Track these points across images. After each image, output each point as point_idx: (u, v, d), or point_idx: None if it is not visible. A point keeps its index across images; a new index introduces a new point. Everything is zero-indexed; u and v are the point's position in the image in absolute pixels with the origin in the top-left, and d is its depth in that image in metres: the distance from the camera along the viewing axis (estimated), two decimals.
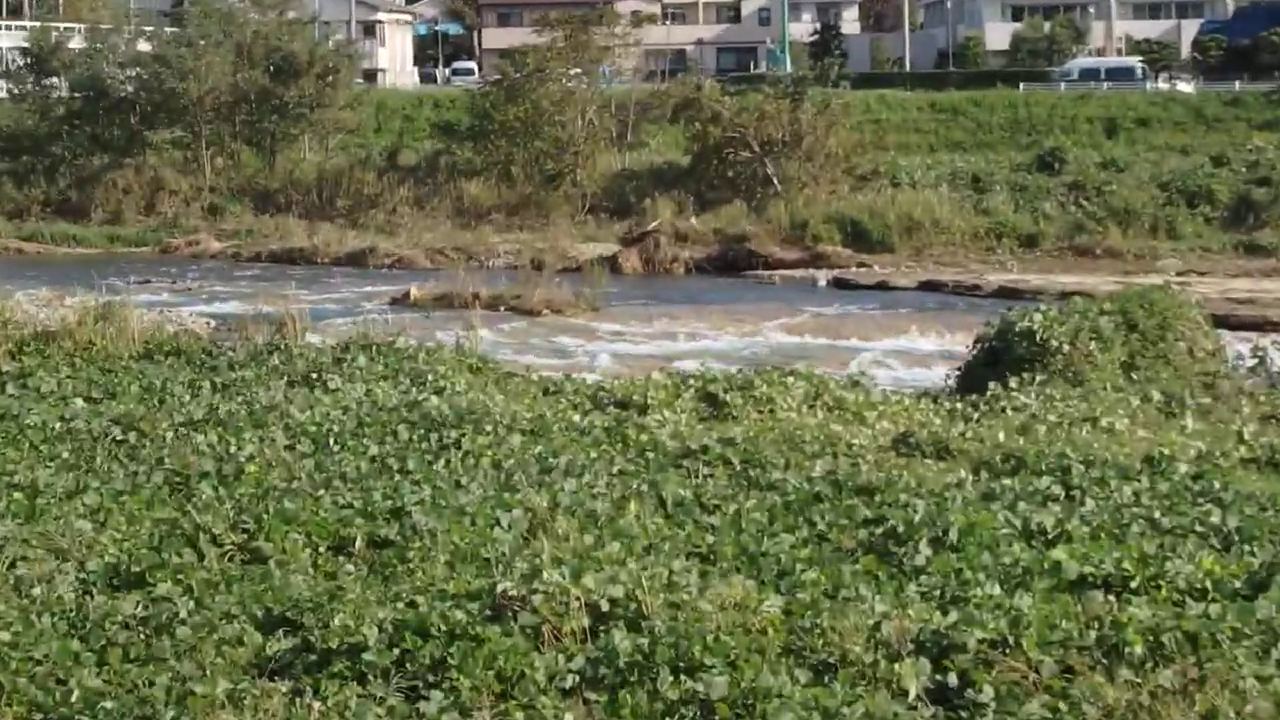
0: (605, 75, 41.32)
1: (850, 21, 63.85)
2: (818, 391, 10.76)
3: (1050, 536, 6.30)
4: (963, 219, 32.78)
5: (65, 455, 7.99)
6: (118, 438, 8.47)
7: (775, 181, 35.26)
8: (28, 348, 12.02)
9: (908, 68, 55.29)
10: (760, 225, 32.88)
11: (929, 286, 28.01)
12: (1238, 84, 44.54)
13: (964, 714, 4.30)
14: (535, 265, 28.08)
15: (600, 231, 34.96)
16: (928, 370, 17.41)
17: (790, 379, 10.89)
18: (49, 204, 39.17)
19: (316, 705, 4.42)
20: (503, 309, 23.21)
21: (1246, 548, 5.98)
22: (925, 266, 30.70)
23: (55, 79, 41.64)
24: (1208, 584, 5.32)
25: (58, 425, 8.67)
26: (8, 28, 49.92)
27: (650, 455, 8.21)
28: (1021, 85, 46.06)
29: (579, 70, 39.69)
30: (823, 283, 29.44)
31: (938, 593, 5.48)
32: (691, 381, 10.75)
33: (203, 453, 8.01)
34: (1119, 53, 54.16)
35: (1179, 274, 26.82)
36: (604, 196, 37.27)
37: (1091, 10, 58.23)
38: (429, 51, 64.68)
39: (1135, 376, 11.50)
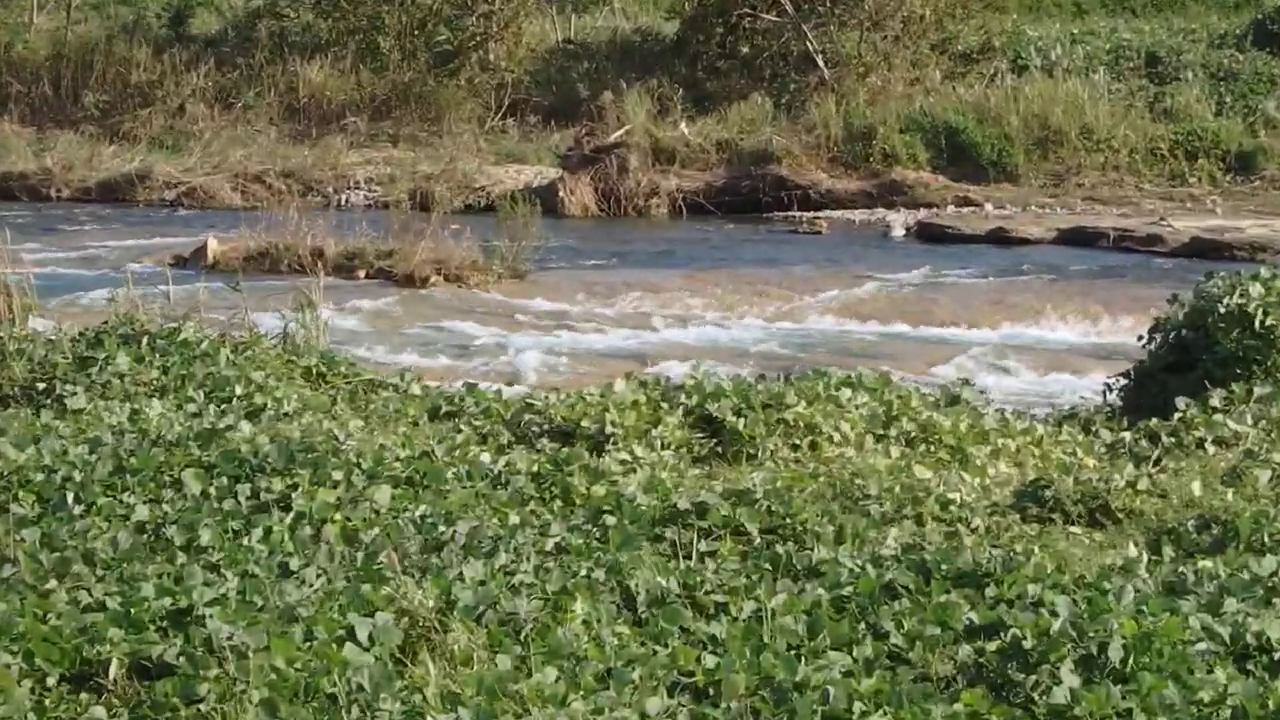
0: None
1: None
2: (891, 412, 10.74)
3: (1277, 656, 6.33)
4: (1131, 126, 33.10)
5: None
6: None
7: (820, 64, 35.35)
8: None
9: None
10: (796, 136, 33.04)
11: (1075, 238, 28.16)
12: None
13: None
14: (419, 203, 27.99)
15: (528, 146, 35.07)
16: (1073, 377, 17.53)
17: (845, 391, 10.88)
18: None
19: None
20: (364, 275, 23.26)
21: None
22: (1069, 204, 30.98)
23: None
24: None
25: None
26: None
27: (610, 520, 8.23)
28: None
29: None
30: (899, 231, 29.55)
31: None
32: (680, 396, 10.71)
33: None
34: None
35: None
36: (534, 88, 37.29)
37: None
38: None
39: None
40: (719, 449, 10.18)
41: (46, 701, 6.07)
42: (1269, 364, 11.64)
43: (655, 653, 6.42)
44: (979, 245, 27.96)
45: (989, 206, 30.90)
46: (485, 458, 9.49)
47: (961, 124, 32.90)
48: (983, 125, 32.92)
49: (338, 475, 8.66)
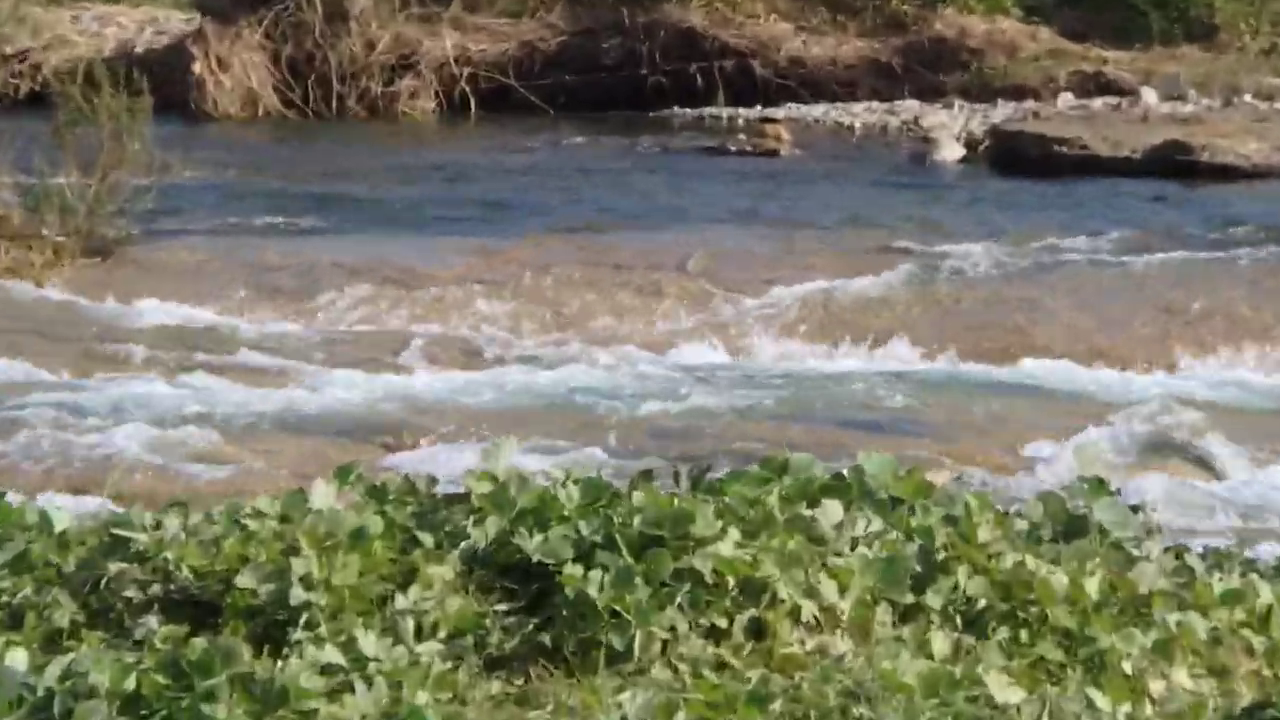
0: None
1: None
2: (933, 553, 7.16)
3: None
4: None
5: None
6: None
7: None
8: None
9: None
10: None
11: None
12: None
13: None
14: None
15: None
16: None
17: (830, 507, 7.04)
18: None
19: None
20: None
21: None
22: None
23: None
24: None
25: None
26: None
27: None
28: None
29: None
30: (953, 150, 21.01)
31: None
32: (462, 519, 7.14)
33: None
34: None
35: None
36: None
37: None
38: None
39: None
40: (547, 638, 6.65)
41: None
42: None
43: None
44: (1126, 181, 19.01)
45: (1149, 97, 21.42)
46: (19, 659, 6.22)
47: None
48: None
49: None
